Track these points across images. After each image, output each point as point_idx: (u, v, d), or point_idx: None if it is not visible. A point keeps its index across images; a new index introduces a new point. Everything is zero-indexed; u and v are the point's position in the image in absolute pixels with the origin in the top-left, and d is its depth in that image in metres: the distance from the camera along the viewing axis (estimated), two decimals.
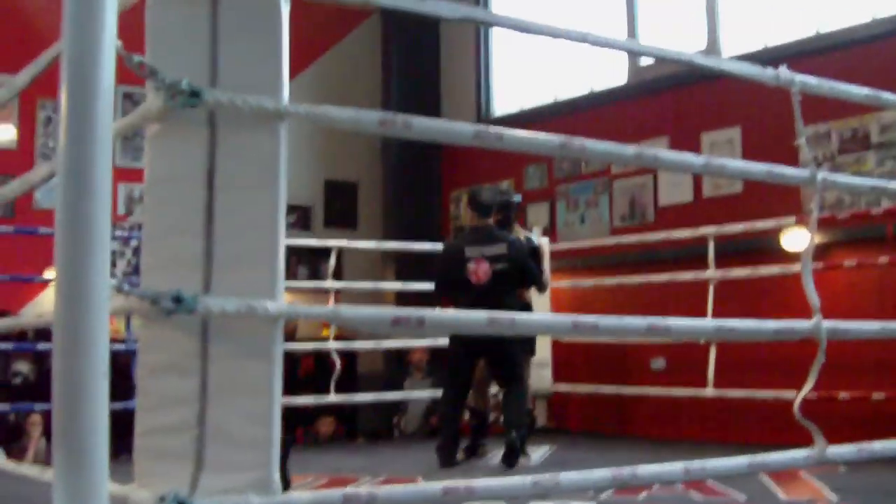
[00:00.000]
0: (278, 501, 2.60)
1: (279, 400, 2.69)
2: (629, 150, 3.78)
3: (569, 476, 3.28)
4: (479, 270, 7.20)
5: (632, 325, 3.76)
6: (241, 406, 2.63)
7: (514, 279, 7.47)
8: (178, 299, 2.49)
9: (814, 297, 4.30)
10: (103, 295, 2.08)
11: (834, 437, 4.23)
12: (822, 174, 4.42)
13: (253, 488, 2.57)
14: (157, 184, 2.76)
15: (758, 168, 4.32)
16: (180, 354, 2.62)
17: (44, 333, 8.18)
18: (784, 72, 4.36)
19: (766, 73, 4.33)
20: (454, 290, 7.50)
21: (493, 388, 8.28)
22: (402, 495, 2.93)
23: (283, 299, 2.74)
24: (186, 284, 2.58)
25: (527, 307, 8.00)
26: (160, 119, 2.71)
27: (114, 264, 10.61)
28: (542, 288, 8.25)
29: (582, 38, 3.83)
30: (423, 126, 3.16)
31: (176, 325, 2.58)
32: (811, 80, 4.46)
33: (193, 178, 2.71)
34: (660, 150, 4.02)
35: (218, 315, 2.57)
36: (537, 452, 8.28)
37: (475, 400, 7.95)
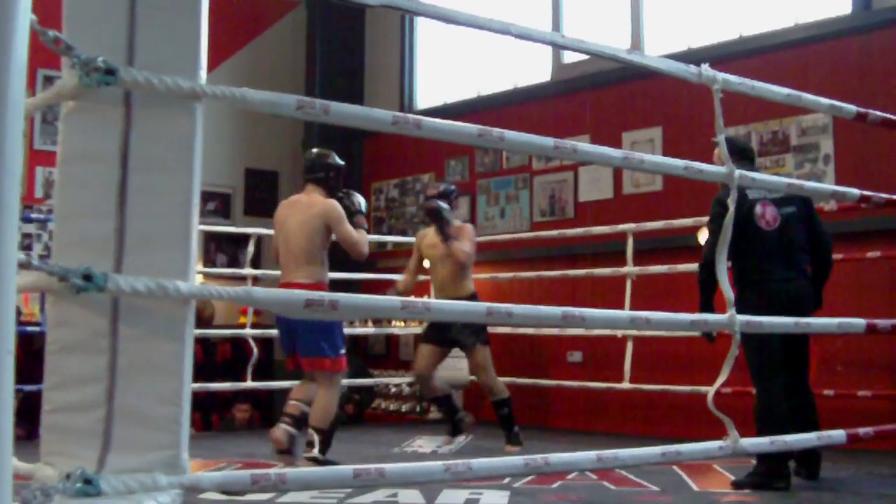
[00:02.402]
0: (186, 481, 2.59)
1: (189, 380, 2.69)
2: (548, 141, 3.81)
3: (481, 462, 3.30)
4: None
5: (546, 313, 3.79)
6: (151, 386, 2.63)
7: None
8: (87, 276, 2.48)
9: (728, 291, 4.37)
10: (10, 269, 2.06)
11: (748, 432, 4.31)
12: (738, 171, 4.50)
13: (161, 468, 2.57)
14: (70, 162, 2.74)
15: (676, 164, 4.39)
16: (89, 333, 2.60)
17: None
18: (706, 69, 4.43)
19: (689, 71, 4.39)
20: None
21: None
22: (311, 476, 2.93)
23: (194, 280, 2.73)
24: (98, 264, 2.57)
25: (473, 297, 8.02)
26: (75, 97, 2.69)
27: (29, 247, 10.50)
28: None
29: (505, 30, 3.86)
30: (341, 111, 3.17)
31: (85, 303, 2.57)
32: (732, 79, 4.53)
33: (107, 158, 2.70)
34: (579, 143, 4.03)
35: (128, 294, 2.56)
36: (452, 442, 8.31)
37: (427, 390, 8.17)
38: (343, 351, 6.58)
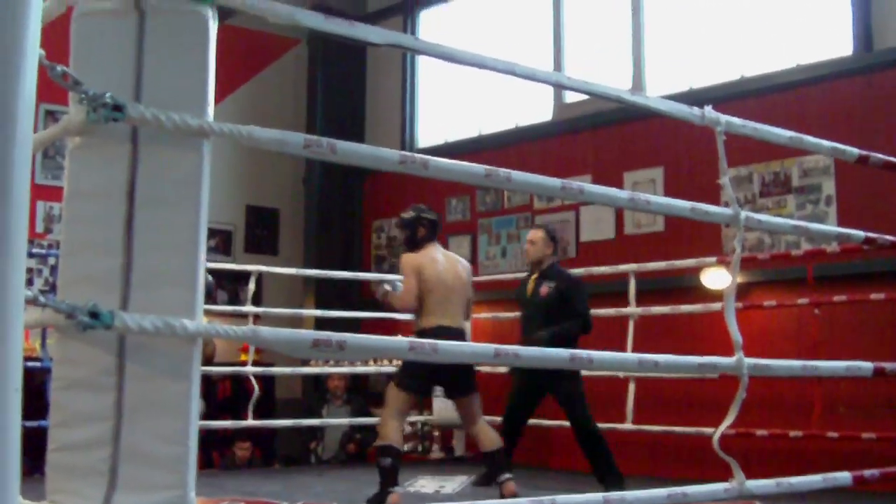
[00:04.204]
0: None
1: (196, 420, 2.66)
2: (555, 182, 3.80)
3: None
4: None
5: (553, 355, 3.77)
6: (157, 425, 2.60)
7: None
8: (94, 314, 2.46)
9: (736, 334, 4.35)
10: (17, 306, 2.04)
11: (752, 474, 4.27)
12: (745, 213, 4.49)
13: None
14: (76, 198, 2.72)
15: (682, 205, 4.37)
16: (96, 371, 2.58)
17: None
18: (710, 111, 4.43)
19: (692, 112, 4.39)
20: None
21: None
22: None
23: (202, 318, 2.71)
24: (104, 300, 2.55)
25: (421, 334, 7.72)
26: (82, 132, 2.68)
27: (31, 282, 10.47)
28: None
29: (510, 70, 3.85)
30: (348, 150, 3.16)
31: (92, 341, 2.55)
32: (736, 121, 4.53)
33: (114, 194, 2.69)
34: (586, 184, 4.02)
35: (135, 332, 2.54)
36: (455, 482, 8.27)
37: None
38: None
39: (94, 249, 2.68)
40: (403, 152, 3.35)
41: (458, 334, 6.93)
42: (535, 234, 8.10)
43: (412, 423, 10.48)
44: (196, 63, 2.82)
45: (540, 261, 8.03)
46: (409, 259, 7.11)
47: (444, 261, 7.16)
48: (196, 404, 2.66)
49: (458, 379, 7.04)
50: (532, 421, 8.50)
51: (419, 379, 6.96)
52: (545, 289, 7.98)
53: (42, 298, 2.43)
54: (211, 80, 2.84)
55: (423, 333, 6.85)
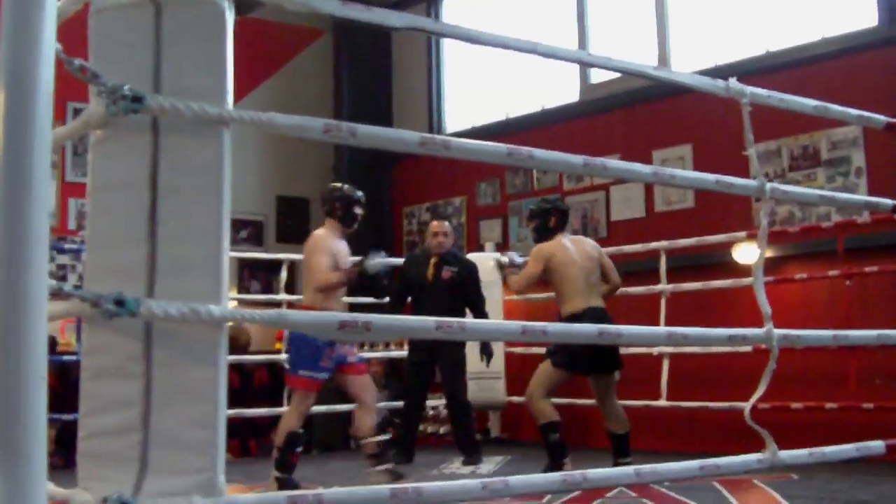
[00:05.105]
0: (223, 503, 2.59)
1: (224, 404, 2.69)
2: (577, 159, 3.80)
3: (518, 479, 3.29)
4: None
5: (581, 330, 3.79)
6: (186, 410, 2.63)
7: None
8: (119, 302, 2.49)
9: (765, 306, 4.35)
10: (41, 296, 2.08)
11: (788, 446, 4.28)
12: (770, 185, 4.47)
13: (198, 490, 2.57)
14: (100, 190, 2.76)
15: (706, 178, 4.37)
16: (123, 358, 2.62)
17: None
18: (734, 83, 4.42)
19: (716, 85, 4.38)
20: None
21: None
22: (348, 497, 2.92)
23: (227, 304, 2.74)
24: (130, 289, 2.57)
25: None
26: (102, 125, 2.71)
27: (64, 278, 10.54)
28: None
29: (531, 49, 3.85)
30: (368, 133, 3.18)
31: (118, 329, 2.58)
32: (761, 92, 4.52)
33: (137, 184, 2.72)
34: (608, 160, 4.02)
35: (161, 318, 2.57)
36: (490, 463, 8.32)
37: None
38: (303, 372, 6.82)
39: (119, 240, 2.71)
40: (424, 134, 3.36)
41: (602, 313, 7.20)
42: (446, 227, 8.66)
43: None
44: (215, 51, 2.84)
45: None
46: (540, 248, 7.46)
47: (573, 247, 7.45)
48: (224, 389, 2.69)
49: (608, 356, 7.29)
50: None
51: (576, 356, 7.17)
52: (447, 273, 8.46)
53: (67, 288, 2.47)
54: (229, 69, 2.86)
55: (572, 318, 7.21)
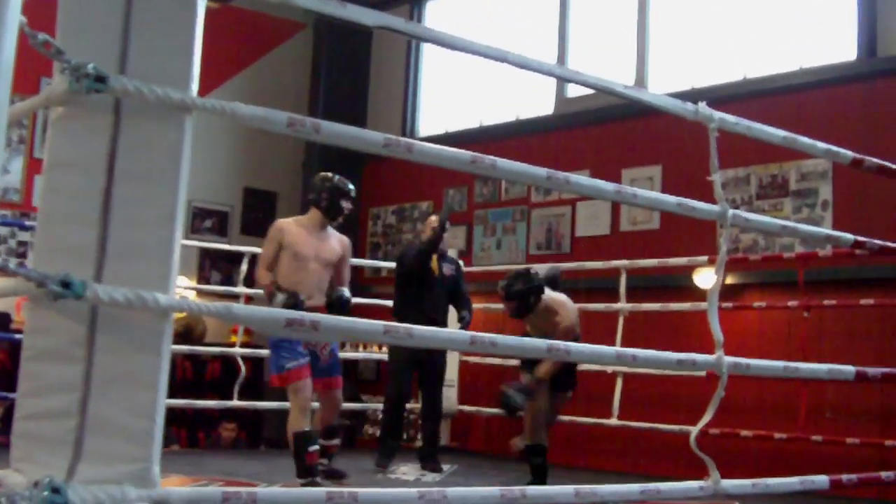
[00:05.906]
0: (156, 495, 2.56)
1: (164, 394, 2.66)
2: (540, 171, 3.78)
3: (456, 491, 3.26)
4: None
5: (530, 344, 3.77)
6: (125, 398, 2.60)
7: None
8: (66, 283, 2.45)
9: (718, 332, 4.34)
10: None
11: (735, 474, 4.27)
12: (732, 211, 4.47)
13: (132, 480, 2.54)
14: (56, 168, 2.72)
15: (668, 200, 4.37)
16: (66, 341, 2.58)
17: None
18: (703, 108, 4.41)
19: (685, 108, 4.37)
20: None
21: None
22: (283, 497, 2.90)
23: (174, 293, 2.71)
24: (78, 271, 2.54)
25: None
26: (64, 102, 2.67)
27: (24, 255, 10.47)
28: None
29: (502, 58, 3.83)
30: (332, 131, 3.15)
31: (63, 311, 2.54)
32: (729, 118, 4.51)
33: (93, 165, 2.68)
34: (572, 175, 3.99)
35: (106, 303, 2.53)
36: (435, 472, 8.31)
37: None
38: (289, 365, 6.59)
39: (70, 220, 2.67)
40: (388, 135, 3.33)
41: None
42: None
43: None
44: (183, 39, 2.82)
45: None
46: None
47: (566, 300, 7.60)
48: (165, 379, 2.66)
49: (573, 376, 7.47)
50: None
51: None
52: (448, 270, 8.50)
53: (12, 266, 2.43)
54: (197, 56, 2.83)
55: None
